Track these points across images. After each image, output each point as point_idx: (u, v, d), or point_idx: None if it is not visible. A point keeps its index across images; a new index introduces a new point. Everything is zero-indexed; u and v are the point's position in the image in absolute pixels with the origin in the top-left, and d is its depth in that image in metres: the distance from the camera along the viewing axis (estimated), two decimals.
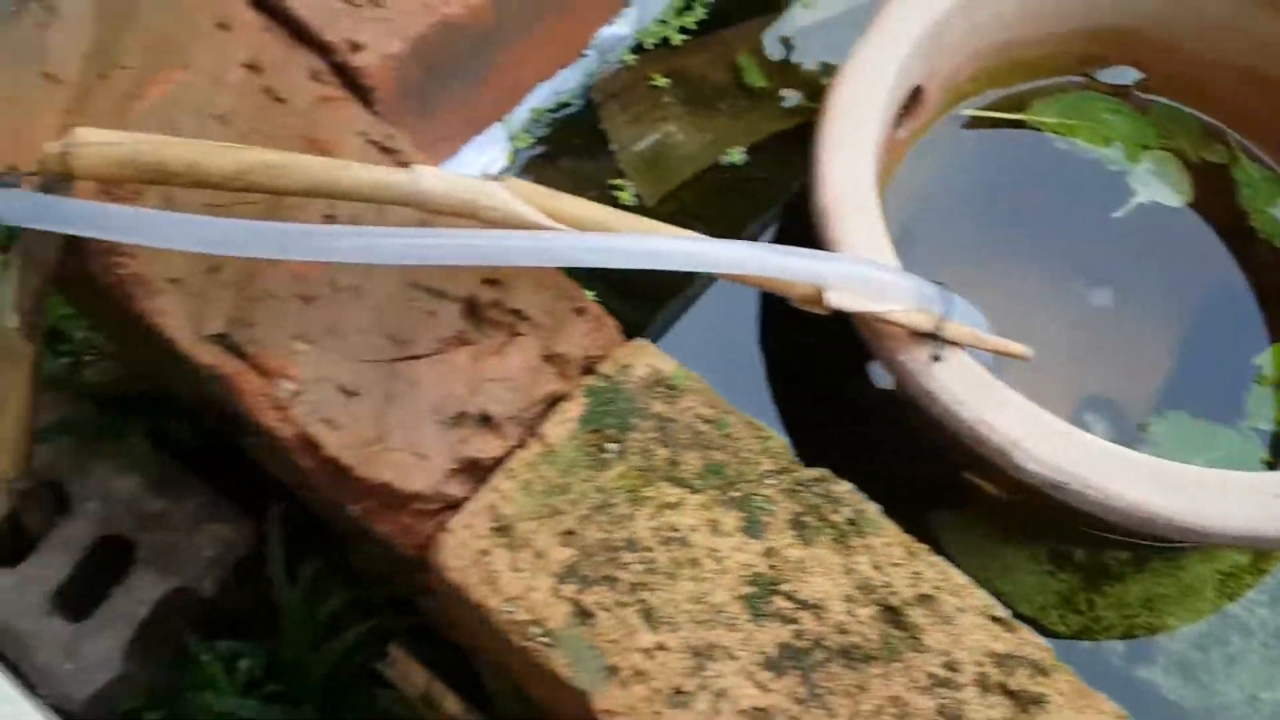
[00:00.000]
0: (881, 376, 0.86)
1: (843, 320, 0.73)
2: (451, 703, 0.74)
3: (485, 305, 0.66)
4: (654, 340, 0.68)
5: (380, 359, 0.64)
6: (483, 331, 0.66)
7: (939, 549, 0.62)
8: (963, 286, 0.92)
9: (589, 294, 0.69)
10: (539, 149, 0.99)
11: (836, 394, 0.92)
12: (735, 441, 0.64)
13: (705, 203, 0.96)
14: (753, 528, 0.61)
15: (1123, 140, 1.01)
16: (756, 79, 1.02)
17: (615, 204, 0.94)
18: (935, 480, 0.88)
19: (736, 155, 0.99)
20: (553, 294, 0.67)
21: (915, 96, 0.93)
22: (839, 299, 0.69)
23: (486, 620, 0.60)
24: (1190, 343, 0.95)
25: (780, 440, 0.65)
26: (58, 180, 0.61)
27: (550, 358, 0.66)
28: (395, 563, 0.66)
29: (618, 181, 0.97)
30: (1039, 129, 1.01)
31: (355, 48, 0.74)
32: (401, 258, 0.61)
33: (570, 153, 0.99)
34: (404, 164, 0.68)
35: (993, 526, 0.89)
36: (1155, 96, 1.02)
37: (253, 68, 0.71)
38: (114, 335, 0.83)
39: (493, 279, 0.67)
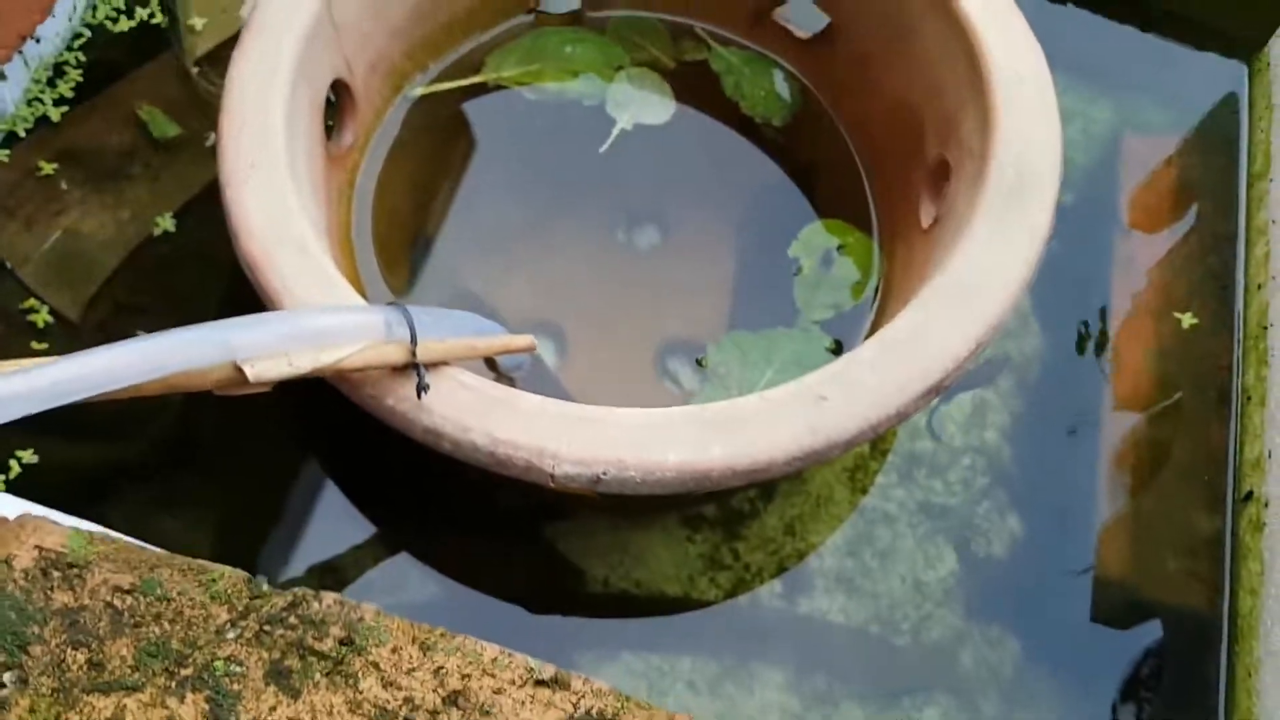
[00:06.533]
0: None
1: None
2: None
3: None
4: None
5: None
6: None
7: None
8: (515, 270, 0.84)
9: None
10: None
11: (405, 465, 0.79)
12: (173, 602, 0.49)
13: (143, 290, 0.79)
14: (221, 707, 0.47)
15: (591, 69, 0.93)
16: (167, 128, 0.85)
17: (32, 330, 0.76)
18: (532, 497, 0.77)
19: (167, 222, 0.82)
20: None
21: (343, 97, 0.81)
22: (265, 369, 0.55)
23: None
24: (743, 252, 0.88)
25: (234, 573, 0.51)
26: None
27: None
28: None
29: (29, 303, 0.78)
30: (503, 85, 0.91)
31: None
32: None
33: None
34: None
35: (615, 517, 0.80)
36: (609, 12, 0.95)
37: None
38: None
39: None
